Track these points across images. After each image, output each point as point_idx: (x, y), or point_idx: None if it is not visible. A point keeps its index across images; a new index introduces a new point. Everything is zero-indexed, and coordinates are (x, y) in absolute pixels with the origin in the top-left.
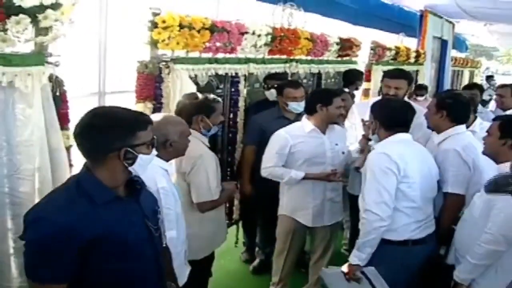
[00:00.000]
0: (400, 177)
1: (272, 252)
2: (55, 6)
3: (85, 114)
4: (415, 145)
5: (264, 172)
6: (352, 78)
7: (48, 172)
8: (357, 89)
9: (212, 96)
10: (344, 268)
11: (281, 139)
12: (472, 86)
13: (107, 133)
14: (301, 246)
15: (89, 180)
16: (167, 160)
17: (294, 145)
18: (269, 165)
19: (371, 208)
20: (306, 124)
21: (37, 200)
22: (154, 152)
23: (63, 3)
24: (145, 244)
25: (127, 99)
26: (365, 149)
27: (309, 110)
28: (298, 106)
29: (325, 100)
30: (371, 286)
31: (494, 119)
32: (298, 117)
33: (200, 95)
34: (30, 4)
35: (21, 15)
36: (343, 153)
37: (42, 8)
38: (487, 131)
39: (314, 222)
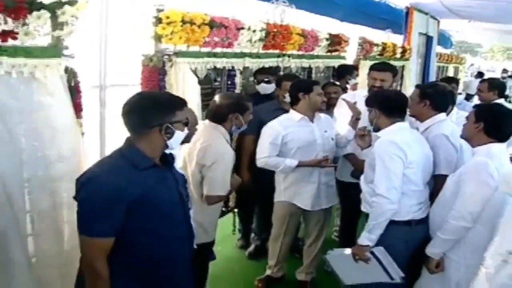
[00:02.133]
0: (407, 163)
1: (267, 238)
2: (71, 3)
3: (132, 96)
4: (413, 132)
5: (259, 163)
6: (344, 72)
7: (83, 153)
8: (347, 83)
9: (244, 95)
10: (351, 249)
11: (273, 130)
12: (450, 79)
13: (153, 111)
14: (295, 230)
15: (132, 150)
16: None
17: (286, 135)
18: (264, 156)
19: (382, 192)
20: (294, 114)
21: (64, 183)
22: (186, 130)
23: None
24: (176, 207)
25: (128, 92)
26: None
27: (293, 101)
28: None
29: (305, 88)
30: (380, 265)
31: (473, 107)
32: None
33: (232, 94)
34: (50, 0)
35: (42, 11)
36: (332, 139)
37: (60, 4)
38: (466, 117)
39: (313, 206)
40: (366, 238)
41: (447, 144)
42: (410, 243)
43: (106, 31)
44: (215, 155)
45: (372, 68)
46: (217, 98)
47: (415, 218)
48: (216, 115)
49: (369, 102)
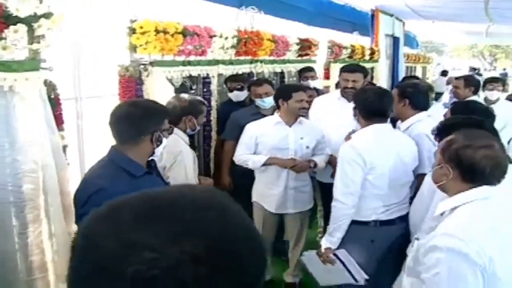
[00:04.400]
0: (367, 169)
1: None
2: (47, 15)
3: (118, 105)
4: (390, 135)
5: (236, 160)
6: (302, 72)
7: (53, 169)
8: (312, 78)
9: (199, 98)
10: (319, 251)
11: (248, 130)
12: (412, 77)
13: (146, 119)
14: (273, 233)
15: (123, 158)
16: None
17: (260, 135)
18: (239, 153)
19: (338, 197)
20: (273, 117)
21: (42, 197)
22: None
23: (54, 12)
24: None
25: (104, 103)
26: None
27: (277, 106)
28: (263, 102)
29: (284, 95)
30: (344, 267)
31: (451, 105)
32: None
33: (187, 97)
34: (26, 14)
35: (18, 24)
36: (307, 147)
37: (36, 17)
38: (443, 115)
39: (277, 209)
40: (328, 240)
41: (428, 143)
42: (378, 243)
43: (80, 42)
44: (172, 155)
45: (343, 70)
46: (171, 100)
47: (380, 219)
48: (171, 117)
49: (353, 99)
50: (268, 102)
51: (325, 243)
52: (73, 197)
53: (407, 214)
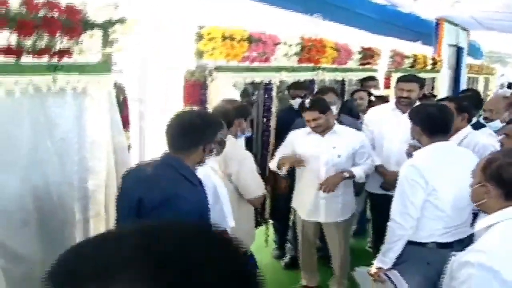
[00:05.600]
0: (429, 190)
1: None
2: (122, 21)
3: (179, 114)
4: (455, 153)
5: (271, 167)
6: (364, 81)
7: (113, 168)
8: (374, 87)
9: (246, 102)
10: (372, 269)
11: (288, 137)
12: (469, 90)
13: (203, 130)
14: (313, 240)
15: (182, 166)
16: None
17: (296, 144)
18: (275, 159)
19: (395, 217)
20: (308, 128)
21: (103, 194)
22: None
23: (128, 18)
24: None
25: (168, 106)
26: None
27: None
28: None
29: (301, 111)
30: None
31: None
32: None
33: (237, 101)
34: (102, 20)
35: (95, 30)
36: (339, 156)
37: (111, 23)
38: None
39: (308, 216)
40: (380, 260)
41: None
42: (434, 265)
43: (150, 46)
44: (236, 161)
45: (399, 79)
46: (221, 103)
47: (437, 241)
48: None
49: (411, 116)
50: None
51: (377, 263)
52: (120, 194)
53: (467, 236)
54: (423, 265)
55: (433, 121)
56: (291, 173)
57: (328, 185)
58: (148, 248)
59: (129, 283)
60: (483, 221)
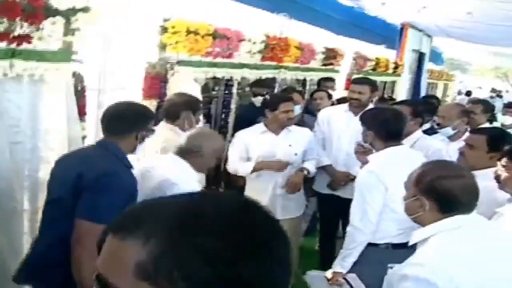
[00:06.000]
0: (388, 194)
1: None
2: (85, 10)
3: (116, 103)
4: (409, 156)
5: (228, 168)
6: (322, 81)
7: None
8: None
9: (196, 96)
10: (328, 274)
11: (238, 138)
12: (431, 97)
13: (137, 118)
14: None
15: (117, 148)
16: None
17: (249, 144)
18: (230, 161)
19: (354, 222)
20: (260, 126)
21: None
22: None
23: (91, 7)
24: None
25: (127, 97)
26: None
27: (263, 114)
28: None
29: (271, 105)
30: None
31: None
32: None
33: (186, 94)
34: (65, 7)
35: (57, 17)
36: (295, 154)
37: (74, 11)
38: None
39: None
40: (339, 265)
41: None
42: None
43: (111, 37)
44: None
45: (352, 81)
46: (172, 96)
47: (392, 241)
48: (169, 113)
49: (363, 120)
50: (296, 110)
51: (336, 267)
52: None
53: None
54: (379, 266)
55: (388, 127)
56: None
57: (294, 186)
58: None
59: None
60: (418, 233)
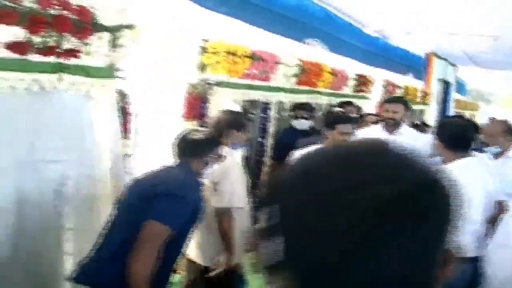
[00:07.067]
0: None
1: None
2: (130, 27)
3: (189, 130)
4: (481, 166)
5: None
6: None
7: (107, 175)
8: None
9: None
10: None
11: (294, 156)
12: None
13: (204, 144)
14: None
15: (190, 168)
16: None
17: None
18: None
19: None
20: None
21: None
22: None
23: (137, 25)
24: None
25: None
26: None
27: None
28: None
29: (329, 124)
30: None
31: None
32: None
33: (231, 111)
34: (111, 24)
35: (104, 32)
36: None
37: (120, 27)
38: None
39: None
40: None
41: None
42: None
43: (154, 55)
44: (220, 170)
45: (385, 101)
46: (217, 113)
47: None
48: (213, 130)
49: (437, 132)
50: None
51: None
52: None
53: None
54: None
55: (455, 134)
56: None
57: None
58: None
59: None
60: None
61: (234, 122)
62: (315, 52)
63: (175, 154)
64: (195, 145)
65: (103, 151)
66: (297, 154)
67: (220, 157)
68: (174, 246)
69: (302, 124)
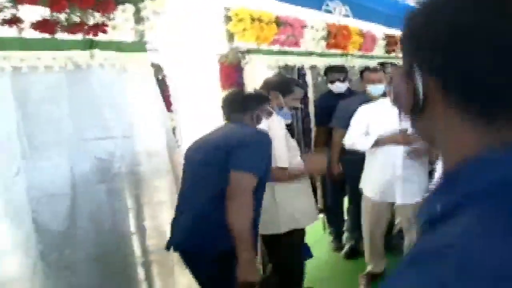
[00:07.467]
0: None
1: (360, 235)
2: None
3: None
4: None
5: (345, 144)
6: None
7: (165, 148)
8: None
9: (295, 79)
10: None
11: (359, 114)
12: None
13: (254, 99)
14: (384, 225)
15: (244, 124)
16: None
17: (372, 119)
18: (348, 137)
19: None
20: (386, 101)
21: (157, 180)
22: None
23: None
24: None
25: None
26: None
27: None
28: (375, 89)
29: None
30: None
31: None
32: None
33: (279, 75)
34: None
35: (126, 4)
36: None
37: None
38: None
39: (381, 197)
40: None
41: None
42: None
43: (179, 26)
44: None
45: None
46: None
47: None
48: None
49: None
50: (380, 89)
51: None
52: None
53: None
54: None
55: None
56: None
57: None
58: None
59: None
60: None
61: (279, 85)
62: (340, 17)
63: (225, 113)
64: (245, 100)
65: (154, 125)
66: (364, 108)
67: (270, 113)
68: (258, 196)
69: (339, 87)
